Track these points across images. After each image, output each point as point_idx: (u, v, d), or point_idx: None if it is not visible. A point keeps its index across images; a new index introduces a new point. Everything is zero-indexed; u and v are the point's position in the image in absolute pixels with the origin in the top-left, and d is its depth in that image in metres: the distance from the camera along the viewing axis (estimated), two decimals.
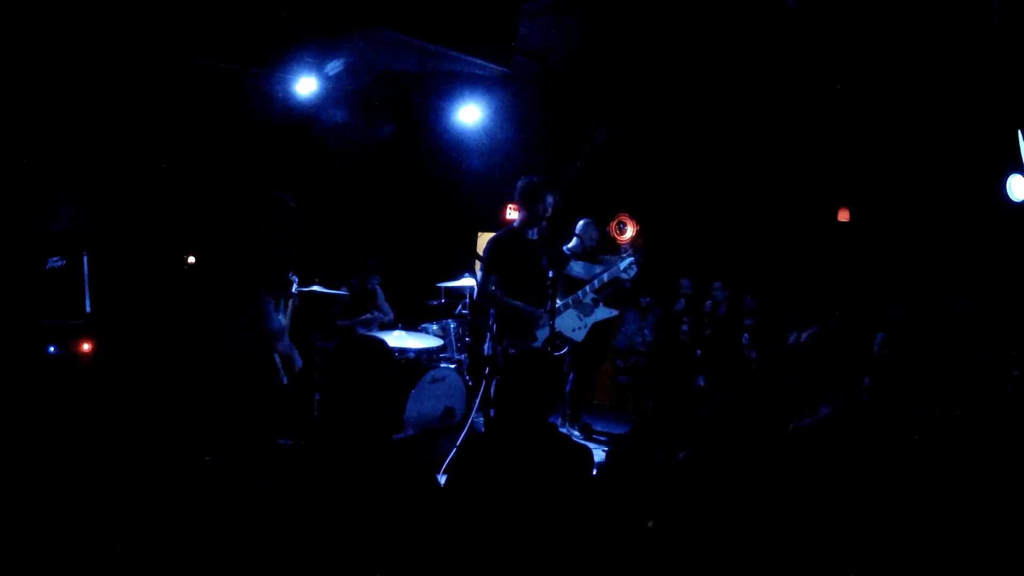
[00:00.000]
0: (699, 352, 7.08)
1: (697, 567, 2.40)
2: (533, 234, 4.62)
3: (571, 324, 4.84)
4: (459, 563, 2.29)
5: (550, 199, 4.56)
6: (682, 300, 8.04)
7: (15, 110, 5.56)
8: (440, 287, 6.84)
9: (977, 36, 5.71)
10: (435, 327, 6.66)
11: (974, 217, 6.71)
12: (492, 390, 4.38)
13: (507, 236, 4.63)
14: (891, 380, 5.21)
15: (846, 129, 7.40)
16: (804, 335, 6.34)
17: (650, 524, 2.49)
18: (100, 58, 5.68)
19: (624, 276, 4.76)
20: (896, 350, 5.66)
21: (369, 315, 6.76)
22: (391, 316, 6.95)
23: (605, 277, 4.79)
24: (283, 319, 3.99)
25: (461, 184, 8.58)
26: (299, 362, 4.07)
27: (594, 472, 2.64)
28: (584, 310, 4.88)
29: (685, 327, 7.87)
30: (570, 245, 6.06)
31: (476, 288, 4.71)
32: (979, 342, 5.46)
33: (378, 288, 6.98)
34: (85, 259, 5.60)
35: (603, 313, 4.99)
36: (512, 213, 4.78)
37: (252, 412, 3.85)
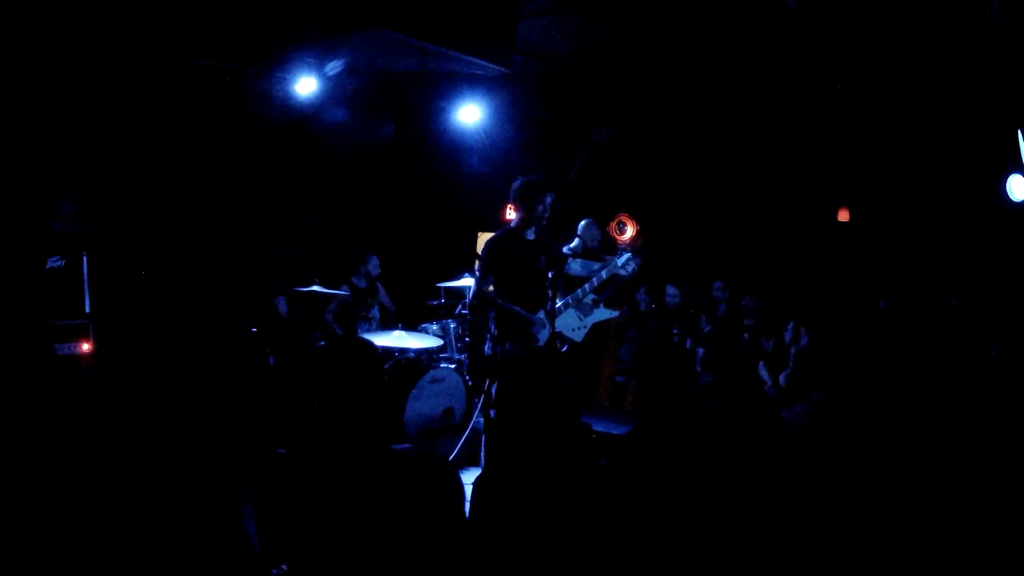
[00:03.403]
0: (701, 351, 7.07)
1: (698, 567, 2.40)
2: (531, 234, 4.62)
3: (571, 324, 4.84)
4: (459, 561, 2.29)
5: (548, 199, 4.55)
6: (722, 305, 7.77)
7: (15, 110, 5.56)
8: (440, 287, 6.84)
9: (977, 36, 5.71)
10: (435, 327, 6.66)
11: (974, 217, 6.70)
12: (493, 391, 4.38)
13: (505, 236, 4.62)
14: (891, 380, 5.21)
15: (846, 129, 7.39)
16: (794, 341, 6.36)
17: (654, 523, 2.49)
18: (100, 58, 5.68)
19: (623, 273, 4.76)
20: (896, 350, 5.66)
21: (372, 311, 6.82)
22: (393, 309, 6.98)
23: (603, 275, 4.79)
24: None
25: (461, 184, 8.58)
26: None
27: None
28: (584, 310, 4.88)
29: (678, 330, 7.82)
30: (572, 245, 6.07)
31: (472, 289, 4.71)
32: (979, 342, 5.46)
33: (379, 284, 7.00)
34: (85, 259, 5.60)
35: (603, 314, 4.99)
36: (511, 213, 4.77)
37: (250, 411, 3.86)
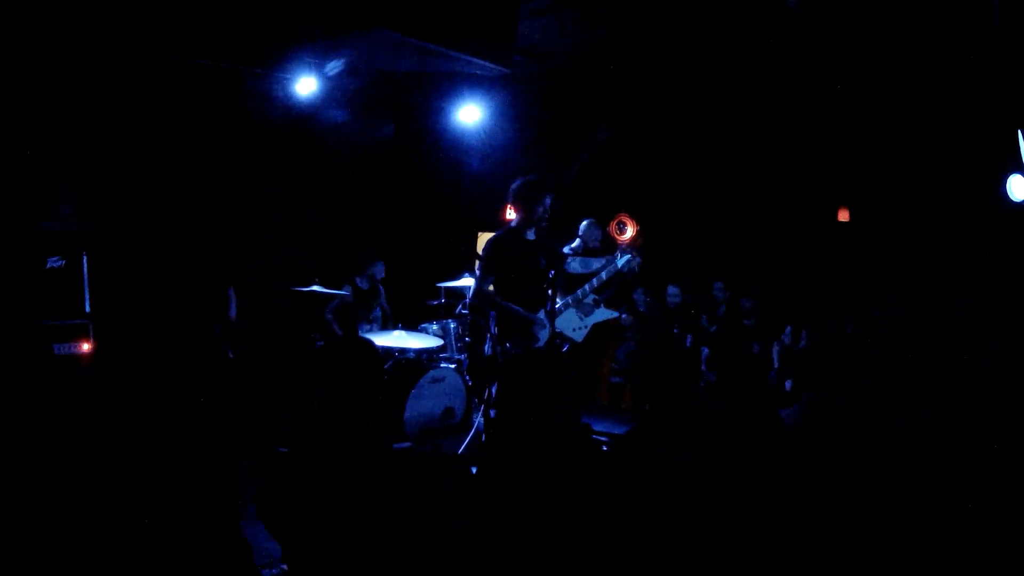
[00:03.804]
0: (706, 351, 7.07)
1: (698, 567, 2.40)
2: (531, 234, 4.62)
3: (571, 324, 4.84)
4: (459, 560, 2.29)
5: (548, 200, 4.55)
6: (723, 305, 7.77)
7: (15, 110, 5.56)
8: (440, 287, 6.84)
9: (977, 36, 5.71)
10: (435, 327, 6.67)
11: (974, 217, 6.71)
12: (493, 391, 4.38)
13: (505, 236, 4.63)
14: (891, 380, 5.21)
15: (846, 129, 7.40)
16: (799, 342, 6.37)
17: (654, 523, 2.49)
18: (100, 58, 5.68)
19: (624, 271, 4.76)
20: (896, 350, 5.66)
21: (374, 312, 6.82)
22: (390, 314, 6.98)
23: (604, 275, 4.79)
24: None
25: (461, 184, 8.58)
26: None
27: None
28: (585, 310, 4.88)
29: (677, 330, 7.80)
30: (573, 245, 6.07)
31: (472, 288, 4.71)
32: (979, 342, 5.45)
33: (380, 287, 7.00)
34: (85, 259, 5.60)
35: (604, 314, 4.99)
36: (511, 213, 4.77)
37: (250, 411, 3.86)
